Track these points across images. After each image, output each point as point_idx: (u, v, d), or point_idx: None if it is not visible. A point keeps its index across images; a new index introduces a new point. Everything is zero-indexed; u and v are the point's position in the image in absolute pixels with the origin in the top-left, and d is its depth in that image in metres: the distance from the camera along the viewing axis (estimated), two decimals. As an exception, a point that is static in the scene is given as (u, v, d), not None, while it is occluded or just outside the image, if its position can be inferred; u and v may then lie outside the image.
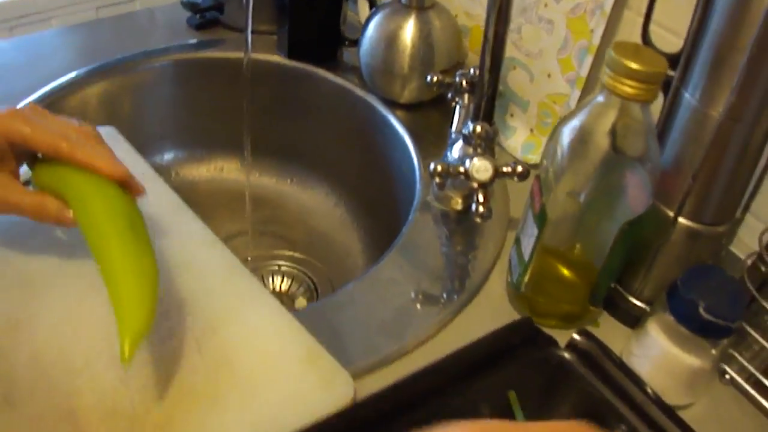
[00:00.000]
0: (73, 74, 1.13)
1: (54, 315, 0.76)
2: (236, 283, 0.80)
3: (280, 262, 1.19)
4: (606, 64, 0.67)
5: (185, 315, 0.76)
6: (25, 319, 0.75)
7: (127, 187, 0.75)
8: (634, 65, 0.64)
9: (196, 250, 0.84)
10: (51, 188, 0.76)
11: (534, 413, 0.73)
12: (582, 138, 0.71)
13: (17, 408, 0.67)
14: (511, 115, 1.08)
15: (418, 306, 0.82)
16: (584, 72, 0.95)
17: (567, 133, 0.72)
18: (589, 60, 0.94)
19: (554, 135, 0.73)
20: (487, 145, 0.85)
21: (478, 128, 0.84)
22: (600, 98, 0.69)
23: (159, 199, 0.90)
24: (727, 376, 0.79)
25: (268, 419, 0.68)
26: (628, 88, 0.65)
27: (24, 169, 0.77)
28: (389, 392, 0.71)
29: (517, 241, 0.82)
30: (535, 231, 0.76)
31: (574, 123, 0.71)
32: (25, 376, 0.70)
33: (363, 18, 1.26)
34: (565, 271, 0.81)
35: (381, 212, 1.17)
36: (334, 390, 0.70)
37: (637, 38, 0.88)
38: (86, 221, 0.72)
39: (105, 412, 0.67)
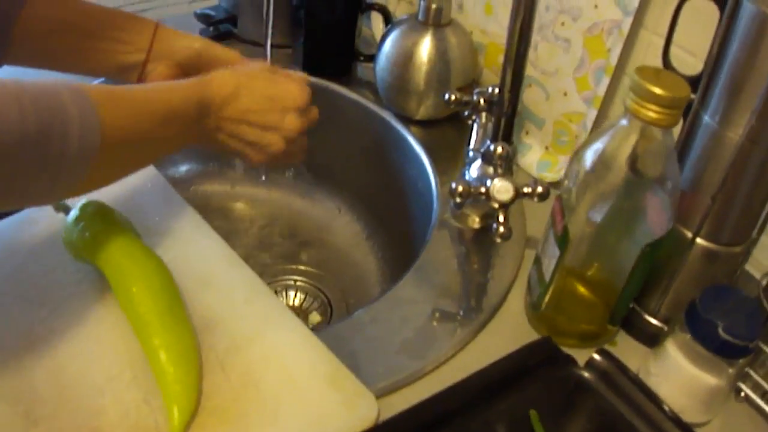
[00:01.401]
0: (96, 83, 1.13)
1: (73, 331, 0.76)
2: (258, 302, 0.81)
3: (294, 277, 1.19)
4: (630, 89, 0.67)
5: (208, 334, 0.77)
6: (44, 334, 0.75)
7: None
8: (658, 90, 0.65)
9: (216, 268, 0.85)
10: (89, 261, 0.80)
11: (551, 430, 0.73)
12: (604, 160, 0.71)
13: (40, 426, 0.67)
14: (527, 133, 1.08)
15: (439, 325, 0.83)
16: (601, 91, 0.95)
17: (590, 156, 0.72)
18: (606, 80, 0.94)
19: (577, 157, 0.74)
20: (507, 165, 0.86)
21: (499, 149, 0.84)
22: (623, 122, 0.69)
23: (178, 214, 0.91)
24: (743, 394, 0.80)
25: (292, 440, 0.68)
26: (651, 113, 0.66)
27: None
28: (412, 413, 0.72)
29: (537, 261, 0.83)
30: (557, 252, 0.77)
31: (597, 146, 0.72)
32: (46, 393, 0.70)
33: (377, 33, 1.26)
34: (585, 292, 0.81)
35: (396, 228, 1.17)
36: (358, 411, 0.71)
37: (653, 57, 0.89)
38: (127, 302, 0.75)
39: (128, 429, 0.68)
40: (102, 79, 1.02)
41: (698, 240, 0.77)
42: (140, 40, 0.86)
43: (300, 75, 0.87)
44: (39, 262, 0.83)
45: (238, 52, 0.91)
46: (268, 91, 0.81)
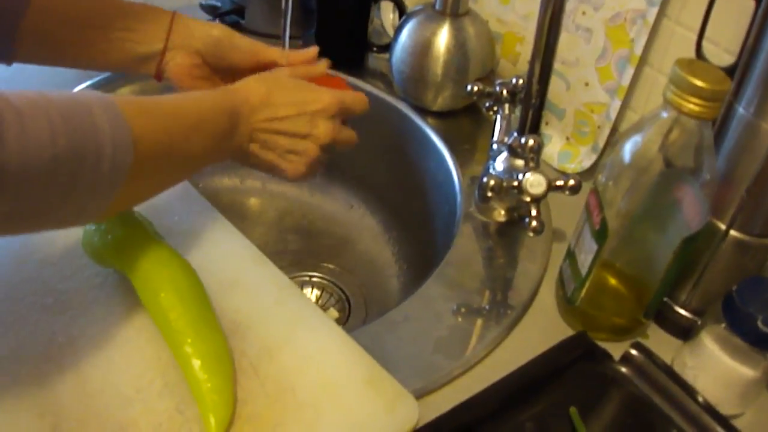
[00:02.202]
0: (102, 76, 1.12)
1: (96, 338, 0.74)
2: (289, 303, 0.79)
3: (311, 273, 1.17)
4: (670, 81, 0.66)
5: (239, 338, 0.75)
6: (67, 342, 0.73)
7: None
8: (699, 83, 0.64)
9: (244, 269, 0.83)
10: (112, 266, 0.79)
11: (592, 426, 0.73)
12: (642, 153, 0.71)
13: (69, 439, 0.66)
14: (546, 123, 1.07)
15: (472, 323, 0.82)
16: (625, 82, 0.94)
17: (628, 149, 0.71)
18: (630, 70, 0.93)
19: (615, 150, 0.73)
20: (536, 158, 0.85)
21: (531, 141, 0.83)
22: (663, 114, 0.68)
23: (197, 211, 0.90)
24: (777, 386, 0.79)
25: (333, 445, 0.67)
26: (693, 105, 0.65)
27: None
28: (453, 414, 0.72)
29: (571, 255, 0.82)
30: (594, 246, 0.76)
31: (636, 138, 0.71)
32: (72, 404, 0.68)
33: (387, 23, 1.25)
34: (619, 285, 0.80)
35: (413, 221, 1.16)
36: (399, 413, 0.70)
37: (677, 48, 0.89)
38: (155, 308, 0.73)
39: (162, 442, 0.66)
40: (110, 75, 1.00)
41: (731, 232, 0.77)
42: (157, 29, 0.84)
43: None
44: (55, 267, 0.81)
45: (260, 42, 0.89)
46: (296, 97, 0.79)
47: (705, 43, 0.83)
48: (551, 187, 0.82)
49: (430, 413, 0.71)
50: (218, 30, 0.88)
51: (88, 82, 1.11)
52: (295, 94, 0.79)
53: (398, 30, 1.11)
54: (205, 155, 0.74)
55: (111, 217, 0.78)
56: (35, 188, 0.55)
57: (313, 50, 0.90)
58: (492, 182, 0.82)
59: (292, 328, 0.77)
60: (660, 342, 0.83)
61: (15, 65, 0.80)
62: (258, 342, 0.75)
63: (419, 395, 0.73)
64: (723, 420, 0.74)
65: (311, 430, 0.68)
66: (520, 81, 0.92)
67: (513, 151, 0.89)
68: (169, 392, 0.70)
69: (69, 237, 0.83)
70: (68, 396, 0.69)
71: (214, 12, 1.26)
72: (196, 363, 0.68)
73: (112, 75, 1.14)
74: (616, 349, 0.79)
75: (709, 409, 0.74)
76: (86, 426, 0.67)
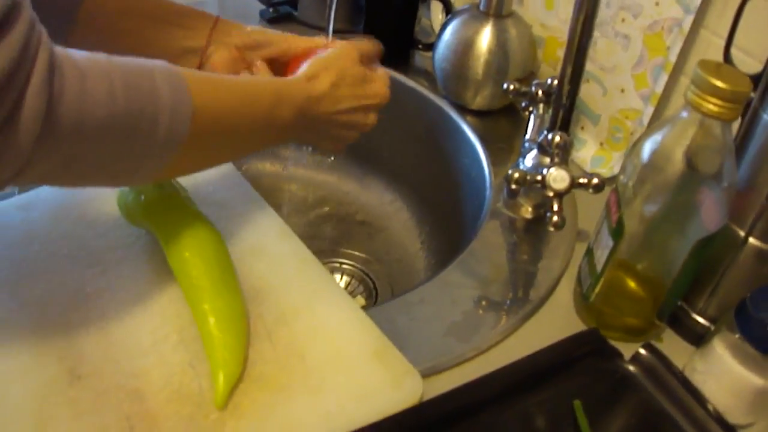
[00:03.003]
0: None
1: (122, 292, 0.78)
2: (309, 275, 0.82)
3: (342, 260, 1.20)
4: (692, 81, 0.67)
5: (257, 303, 0.78)
6: (94, 293, 0.77)
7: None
8: (719, 83, 0.65)
9: (269, 240, 0.86)
10: (143, 225, 0.82)
11: (595, 423, 0.73)
12: (662, 154, 0.71)
13: (82, 381, 0.69)
14: (582, 128, 1.08)
15: (487, 311, 0.83)
16: (659, 89, 0.95)
17: (648, 148, 0.72)
18: (664, 77, 0.94)
19: (635, 150, 0.73)
20: (563, 155, 0.86)
21: (557, 138, 0.84)
22: (683, 114, 0.69)
23: (232, 185, 0.93)
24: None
25: (336, 412, 0.69)
26: (712, 105, 0.66)
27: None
28: (456, 394, 0.73)
29: (589, 253, 0.83)
30: (611, 243, 0.77)
31: (655, 138, 0.72)
32: (92, 351, 0.71)
33: (435, 23, 1.27)
34: (634, 285, 0.81)
35: (445, 217, 1.17)
36: (403, 388, 0.71)
37: (712, 57, 0.88)
38: (179, 266, 0.76)
39: (172, 392, 0.69)
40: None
41: (751, 239, 0.76)
42: (203, 26, 0.88)
43: (382, 71, 0.89)
44: (92, 224, 0.84)
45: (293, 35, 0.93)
46: (358, 90, 0.82)
47: (735, 52, 0.83)
48: (574, 184, 0.83)
49: (436, 393, 0.73)
50: (256, 30, 0.92)
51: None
52: (357, 86, 0.82)
53: (443, 28, 1.13)
54: (266, 141, 0.79)
55: None
56: (90, 143, 0.58)
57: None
58: (516, 174, 0.84)
59: (309, 298, 0.79)
60: (674, 347, 0.83)
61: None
62: (275, 308, 0.77)
63: (427, 374, 0.75)
64: (730, 429, 0.73)
65: (315, 396, 0.70)
66: (555, 82, 0.93)
67: (542, 149, 0.90)
68: (184, 347, 0.73)
69: (106, 197, 0.86)
70: (88, 343, 0.72)
71: (268, 1, 1.29)
72: (212, 320, 0.71)
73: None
74: (628, 350, 0.79)
75: (718, 417, 0.74)
76: (102, 372, 0.70)
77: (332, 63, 0.81)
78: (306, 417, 0.68)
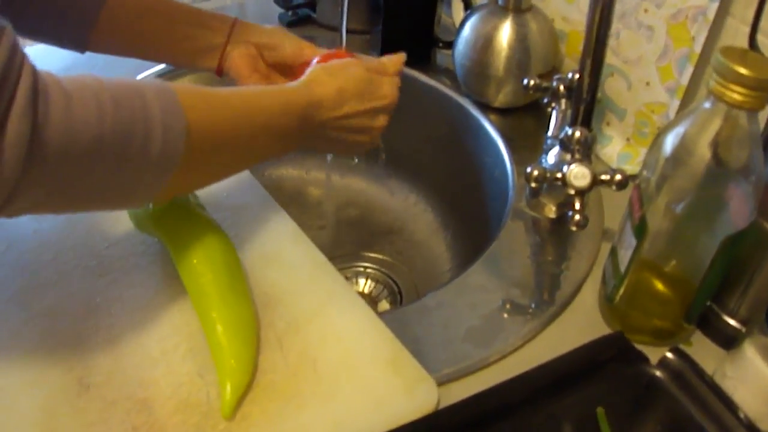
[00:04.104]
0: (161, 66, 1.16)
1: (133, 302, 0.77)
2: (322, 281, 0.80)
3: (366, 264, 1.18)
4: (714, 69, 0.63)
5: (269, 310, 0.76)
6: (104, 303, 0.76)
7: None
8: (743, 70, 0.61)
9: (283, 245, 0.84)
10: (153, 233, 0.81)
11: (620, 430, 0.70)
12: (685, 147, 0.68)
13: (91, 391, 0.68)
14: (608, 124, 1.05)
15: (507, 315, 0.80)
16: (685, 81, 0.91)
17: (670, 142, 0.69)
18: (690, 68, 0.90)
19: (657, 143, 0.70)
20: (584, 151, 0.83)
21: (577, 133, 0.81)
22: (706, 105, 0.65)
23: (247, 190, 0.92)
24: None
25: (347, 421, 0.67)
26: (736, 94, 0.62)
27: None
28: (473, 402, 0.70)
29: (613, 252, 0.80)
30: (634, 242, 0.73)
31: (678, 131, 0.68)
32: (101, 361, 0.71)
33: (457, 20, 1.24)
34: (661, 286, 0.77)
35: (470, 218, 1.15)
36: (418, 396, 0.69)
37: (740, 46, 0.85)
38: (187, 274, 0.75)
39: (179, 402, 0.68)
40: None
41: (783, 236, 0.73)
42: (221, 26, 0.90)
43: (393, 61, 0.88)
44: (103, 233, 0.84)
45: (308, 42, 0.93)
46: (365, 93, 0.81)
47: (762, 38, 0.80)
48: (596, 181, 0.80)
49: (454, 400, 0.70)
50: (272, 29, 0.93)
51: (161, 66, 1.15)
52: (363, 89, 0.81)
53: (462, 24, 1.11)
54: (270, 151, 0.77)
55: None
56: (81, 166, 0.56)
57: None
58: (536, 172, 0.81)
59: (322, 305, 0.77)
60: (705, 351, 0.79)
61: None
62: (287, 315, 0.76)
63: (443, 381, 0.73)
64: (761, 436, 0.70)
65: (327, 404, 0.68)
66: (576, 76, 0.90)
67: (564, 145, 0.88)
68: (193, 357, 0.72)
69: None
70: (97, 353, 0.72)
71: (286, 4, 1.28)
72: (219, 328, 0.69)
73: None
74: (656, 354, 0.76)
75: (749, 425, 0.70)
76: (110, 382, 0.69)
77: (337, 69, 0.80)
78: (316, 426, 0.66)
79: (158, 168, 0.61)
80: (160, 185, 0.63)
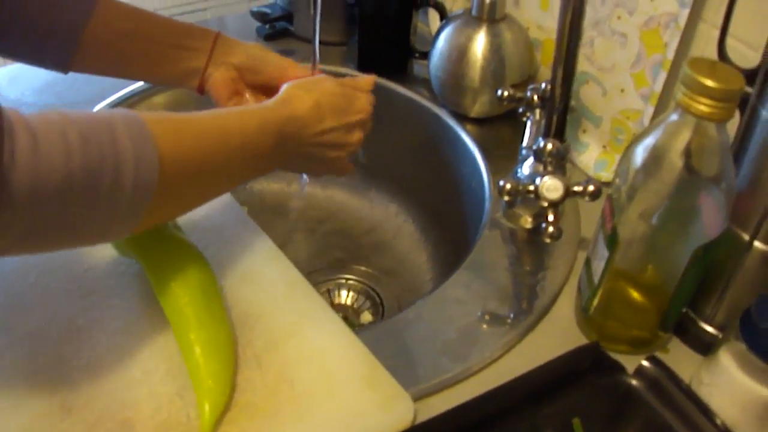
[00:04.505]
0: (141, 84, 1.16)
1: (114, 324, 0.77)
2: (298, 299, 0.80)
3: (347, 276, 1.18)
4: (681, 81, 0.64)
5: (247, 329, 0.76)
6: (86, 326, 0.76)
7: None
8: (710, 83, 0.61)
9: (259, 263, 0.84)
10: (131, 255, 0.81)
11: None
12: (655, 158, 0.68)
13: (73, 414, 0.68)
14: (584, 131, 1.05)
15: (485, 327, 0.80)
16: (658, 87, 0.91)
17: (640, 153, 0.69)
18: (663, 75, 0.91)
19: (627, 154, 0.71)
20: (557, 162, 0.83)
21: (549, 146, 0.82)
22: (674, 116, 0.66)
23: (224, 210, 0.91)
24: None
25: (326, 438, 0.67)
26: (703, 106, 0.62)
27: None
28: (450, 416, 0.70)
29: (587, 263, 0.80)
30: (606, 253, 0.74)
31: (648, 142, 0.68)
32: (83, 382, 0.71)
33: (434, 29, 1.24)
34: (636, 295, 0.78)
35: (450, 227, 1.15)
36: (394, 412, 0.69)
37: (712, 51, 0.85)
38: (165, 296, 0.75)
39: (160, 423, 0.68)
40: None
41: (756, 243, 0.73)
42: (203, 46, 0.89)
43: (366, 80, 0.88)
44: (83, 255, 0.83)
45: (290, 60, 0.93)
46: (341, 109, 0.81)
47: (733, 43, 0.80)
48: (569, 193, 0.81)
49: (432, 415, 0.70)
50: (254, 48, 0.92)
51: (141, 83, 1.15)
52: (339, 103, 0.81)
53: (436, 35, 1.11)
54: (247, 173, 0.76)
55: None
56: (50, 206, 0.55)
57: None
58: (508, 185, 0.81)
59: (299, 323, 0.77)
60: (682, 358, 0.80)
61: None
62: (265, 334, 0.76)
63: (420, 396, 0.73)
64: (737, 443, 0.70)
65: (304, 422, 0.68)
66: (550, 86, 0.90)
67: (537, 156, 0.88)
68: (173, 377, 0.72)
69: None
70: (80, 376, 0.71)
71: (264, 18, 1.28)
72: (197, 350, 0.70)
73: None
74: (634, 362, 0.76)
75: (724, 430, 0.70)
76: (93, 404, 0.69)
77: (312, 84, 0.81)
78: (295, 446, 0.67)
79: (132, 202, 0.60)
80: (136, 219, 0.62)
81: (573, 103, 0.94)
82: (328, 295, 1.15)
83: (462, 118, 1.13)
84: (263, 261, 0.84)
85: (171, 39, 0.87)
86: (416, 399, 0.72)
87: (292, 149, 0.78)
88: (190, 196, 0.71)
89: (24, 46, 0.83)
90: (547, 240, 0.80)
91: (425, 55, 1.18)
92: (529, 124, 0.97)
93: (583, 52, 0.97)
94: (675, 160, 0.67)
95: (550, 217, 0.80)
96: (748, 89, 0.69)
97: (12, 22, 0.80)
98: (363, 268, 1.19)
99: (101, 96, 1.12)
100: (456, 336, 0.79)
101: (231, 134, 0.71)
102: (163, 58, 0.88)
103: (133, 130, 0.60)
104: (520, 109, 0.98)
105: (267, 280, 0.82)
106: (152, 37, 0.87)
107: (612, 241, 0.73)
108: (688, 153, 0.66)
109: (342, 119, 0.81)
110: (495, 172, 1.03)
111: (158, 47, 0.87)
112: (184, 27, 0.89)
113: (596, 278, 0.76)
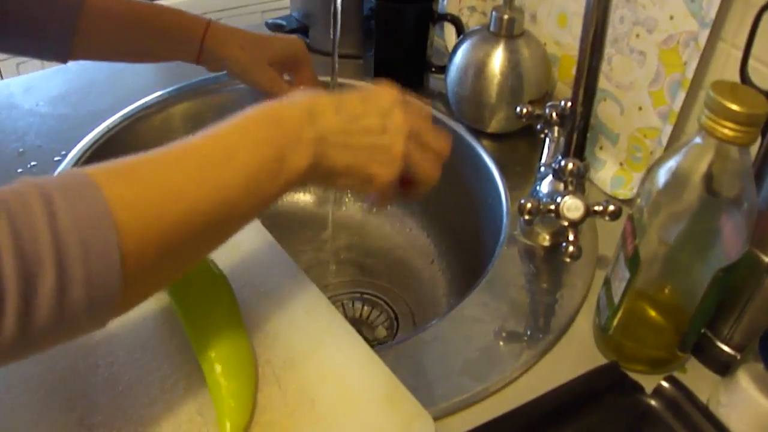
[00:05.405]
0: (158, 93, 1.16)
1: (132, 340, 0.77)
2: (319, 317, 0.80)
3: (362, 290, 1.18)
4: (705, 105, 0.64)
5: (266, 347, 0.76)
6: (104, 340, 0.76)
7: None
8: (734, 107, 0.61)
9: (278, 280, 0.84)
10: None
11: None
12: (678, 180, 0.68)
13: (93, 431, 0.68)
14: (601, 148, 1.05)
15: (503, 346, 0.80)
16: (677, 106, 0.91)
17: (663, 175, 0.69)
18: (682, 94, 0.90)
19: (649, 176, 0.71)
20: (577, 181, 0.83)
21: (570, 165, 0.82)
22: (697, 139, 0.66)
23: (245, 227, 0.91)
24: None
25: (347, 458, 0.67)
26: (727, 130, 0.62)
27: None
28: (471, 436, 0.70)
29: (607, 283, 0.80)
30: (627, 275, 0.74)
31: (670, 164, 0.69)
32: (101, 400, 0.71)
33: (450, 44, 1.24)
34: (655, 315, 0.78)
35: (466, 244, 1.15)
36: (414, 431, 0.69)
37: (731, 71, 0.85)
38: (185, 314, 0.75)
39: (180, 442, 0.68)
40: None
41: (775, 265, 0.73)
42: (195, 25, 0.93)
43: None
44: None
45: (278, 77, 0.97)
46: (357, 97, 0.68)
47: (757, 65, 0.80)
48: (590, 212, 0.81)
49: (450, 435, 0.70)
50: (252, 35, 0.98)
51: (158, 93, 1.15)
52: (353, 94, 0.69)
53: (454, 51, 1.11)
54: (262, 199, 0.64)
55: None
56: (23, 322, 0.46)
57: None
58: (529, 205, 0.81)
59: (319, 341, 0.77)
60: (699, 378, 0.80)
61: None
62: (284, 352, 0.76)
63: (441, 415, 0.73)
64: (758, 465, 0.70)
65: (326, 443, 0.68)
66: (569, 104, 0.90)
67: (557, 175, 0.88)
68: (192, 395, 0.71)
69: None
70: (99, 392, 0.71)
71: (279, 30, 1.28)
72: (218, 368, 0.70)
73: (185, 85, 1.19)
74: (653, 382, 0.76)
75: (745, 455, 0.70)
76: (112, 422, 0.69)
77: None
78: (315, 465, 0.66)
79: (91, 307, 0.50)
80: (104, 318, 0.53)
81: (591, 120, 0.94)
82: (342, 309, 1.15)
83: (479, 133, 1.13)
84: (282, 278, 0.84)
85: (166, 15, 0.91)
86: (436, 419, 0.71)
87: (313, 140, 0.63)
88: (189, 254, 0.60)
89: (22, 41, 0.85)
90: (567, 260, 0.80)
91: (442, 70, 1.18)
92: (547, 141, 0.97)
93: (601, 69, 0.97)
94: (697, 183, 0.67)
95: (571, 237, 0.80)
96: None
97: (8, 15, 0.81)
98: (378, 283, 1.19)
99: (116, 107, 1.13)
100: (475, 355, 0.79)
101: (227, 158, 0.60)
102: (157, 45, 0.92)
103: (76, 207, 0.48)
104: (538, 126, 0.98)
105: (286, 297, 0.82)
106: (147, 22, 0.90)
107: (633, 263, 0.73)
108: (710, 175, 0.66)
109: (364, 103, 0.67)
110: (512, 188, 1.03)
111: (153, 31, 0.91)
112: (175, 12, 0.92)
113: (616, 299, 0.76)
